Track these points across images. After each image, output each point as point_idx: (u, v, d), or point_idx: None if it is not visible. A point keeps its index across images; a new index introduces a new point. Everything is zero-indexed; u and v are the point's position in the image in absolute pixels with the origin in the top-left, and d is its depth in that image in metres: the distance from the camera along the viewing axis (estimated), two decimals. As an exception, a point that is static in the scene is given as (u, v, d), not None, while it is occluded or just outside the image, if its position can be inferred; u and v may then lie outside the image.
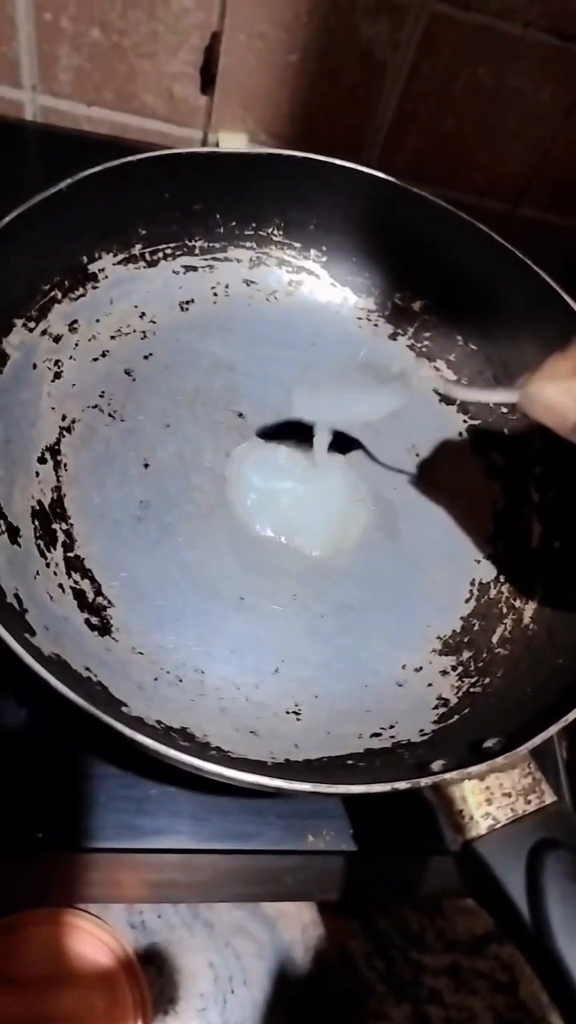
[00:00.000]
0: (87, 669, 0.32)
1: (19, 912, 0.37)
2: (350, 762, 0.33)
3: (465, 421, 0.45)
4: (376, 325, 0.47)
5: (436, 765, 0.30)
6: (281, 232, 0.46)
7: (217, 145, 0.53)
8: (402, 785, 0.27)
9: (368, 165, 0.43)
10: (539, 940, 0.26)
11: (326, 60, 0.49)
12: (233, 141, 0.53)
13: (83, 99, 0.52)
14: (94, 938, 0.37)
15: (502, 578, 0.40)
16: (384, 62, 0.49)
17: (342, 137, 0.53)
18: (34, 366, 0.39)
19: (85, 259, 0.42)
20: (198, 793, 0.35)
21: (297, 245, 0.47)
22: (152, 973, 0.39)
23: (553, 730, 0.29)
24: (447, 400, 0.45)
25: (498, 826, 0.28)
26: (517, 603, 0.39)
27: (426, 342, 0.47)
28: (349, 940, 0.42)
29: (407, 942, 0.43)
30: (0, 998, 0.35)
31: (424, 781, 0.28)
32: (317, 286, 0.47)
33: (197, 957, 0.40)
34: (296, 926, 0.42)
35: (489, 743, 0.30)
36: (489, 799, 0.28)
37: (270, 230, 0.46)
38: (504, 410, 0.45)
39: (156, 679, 0.34)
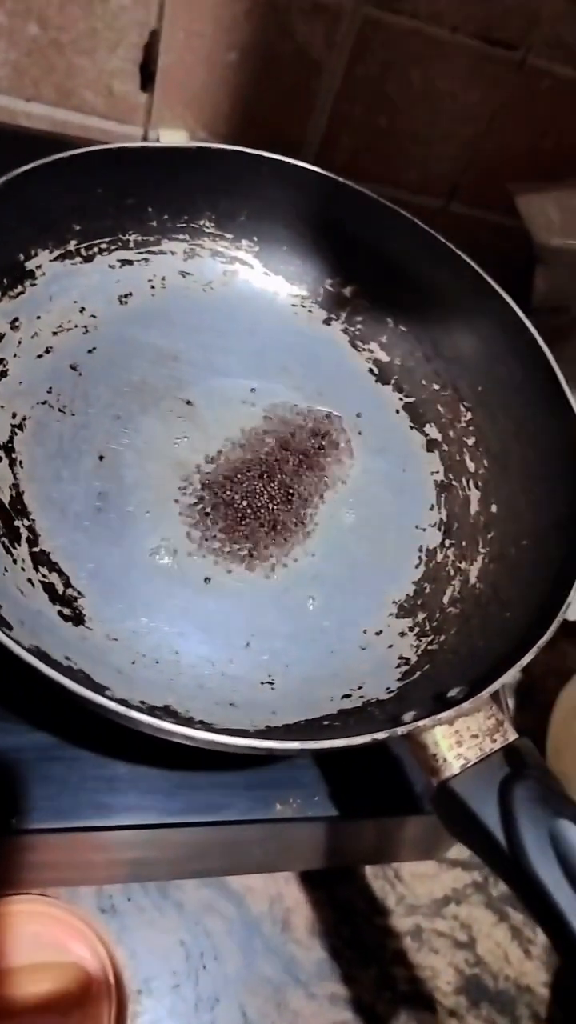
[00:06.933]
0: (67, 658, 0.33)
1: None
2: (326, 723, 0.35)
3: (401, 399, 0.48)
4: (310, 311, 0.49)
5: (407, 716, 0.32)
6: (213, 224, 0.47)
7: (158, 141, 0.54)
8: (381, 735, 0.29)
9: (307, 162, 0.45)
10: (516, 862, 0.28)
11: (264, 60, 0.51)
12: (173, 138, 0.53)
13: (21, 95, 0.51)
14: (65, 924, 0.37)
15: (447, 543, 0.43)
16: (320, 63, 0.51)
17: (281, 135, 0.55)
18: (-21, 366, 0.39)
19: (22, 256, 0.42)
20: (167, 770, 0.36)
21: (229, 236, 0.48)
22: (125, 954, 0.40)
23: (510, 675, 0.32)
24: (382, 380, 0.48)
25: (469, 765, 0.30)
26: (463, 565, 0.42)
27: (359, 326, 0.49)
28: (315, 910, 0.44)
29: (371, 908, 0.45)
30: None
31: (400, 730, 0.30)
32: (251, 275, 0.49)
33: (168, 936, 0.41)
34: (263, 901, 0.43)
35: (452, 692, 0.33)
36: (459, 741, 0.31)
37: (202, 222, 0.47)
38: (436, 387, 0.47)
39: (134, 662, 0.35)
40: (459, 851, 0.47)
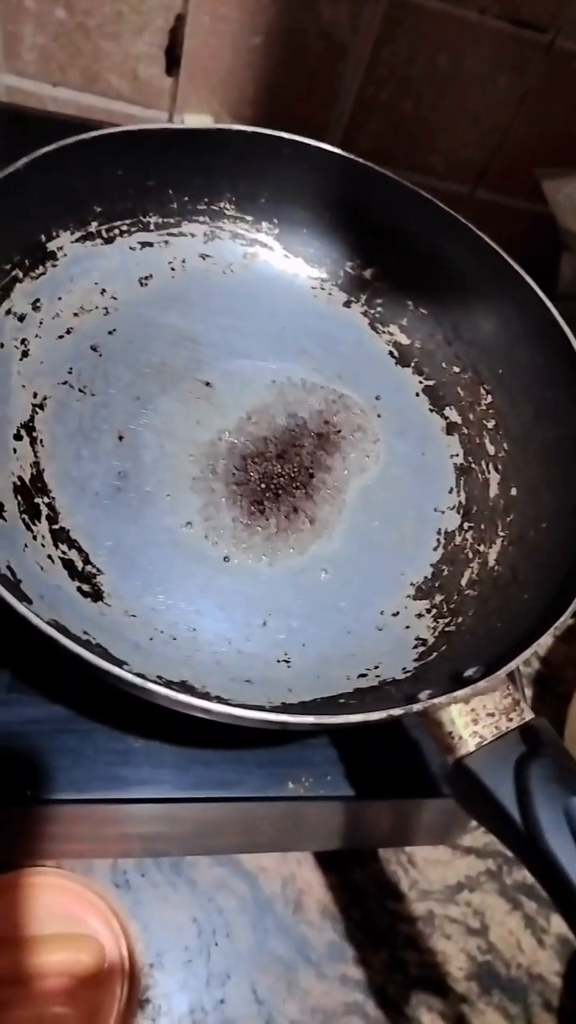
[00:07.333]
0: (85, 633, 0.33)
1: (5, 873, 0.38)
2: (341, 701, 0.35)
3: (421, 382, 0.48)
4: (330, 294, 0.49)
5: (423, 695, 0.32)
6: (233, 206, 0.47)
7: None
8: (396, 711, 0.29)
9: (331, 146, 0.45)
10: (531, 840, 0.28)
11: (289, 43, 0.50)
12: (198, 122, 0.54)
13: (48, 79, 0.52)
14: (79, 896, 0.38)
15: (466, 526, 0.43)
16: (345, 46, 0.51)
17: (306, 119, 0.55)
18: (1, 345, 0.40)
19: (43, 237, 0.42)
20: (180, 746, 0.36)
21: (249, 218, 0.48)
22: (138, 929, 0.40)
23: (527, 654, 0.32)
24: (402, 362, 0.48)
25: (485, 743, 0.30)
26: (481, 548, 0.42)
27: (379, 308, 0.49)
28: (328, 892, 0.44)
29: (383, 892, 0.45)
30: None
31: (416, 707, 0.30)
32: (271, 257, 0.49)
33: (181, 913, 0.41)
34: (276, 881, 0.43)
35: (469, 672, 0.33)
36: (475, 719, 0.31)
37: (222, 204, 0.47)
38: (456, 370, 0.47)
39: (151, 639, 0.35)
40: (473, 839, 0.47)
